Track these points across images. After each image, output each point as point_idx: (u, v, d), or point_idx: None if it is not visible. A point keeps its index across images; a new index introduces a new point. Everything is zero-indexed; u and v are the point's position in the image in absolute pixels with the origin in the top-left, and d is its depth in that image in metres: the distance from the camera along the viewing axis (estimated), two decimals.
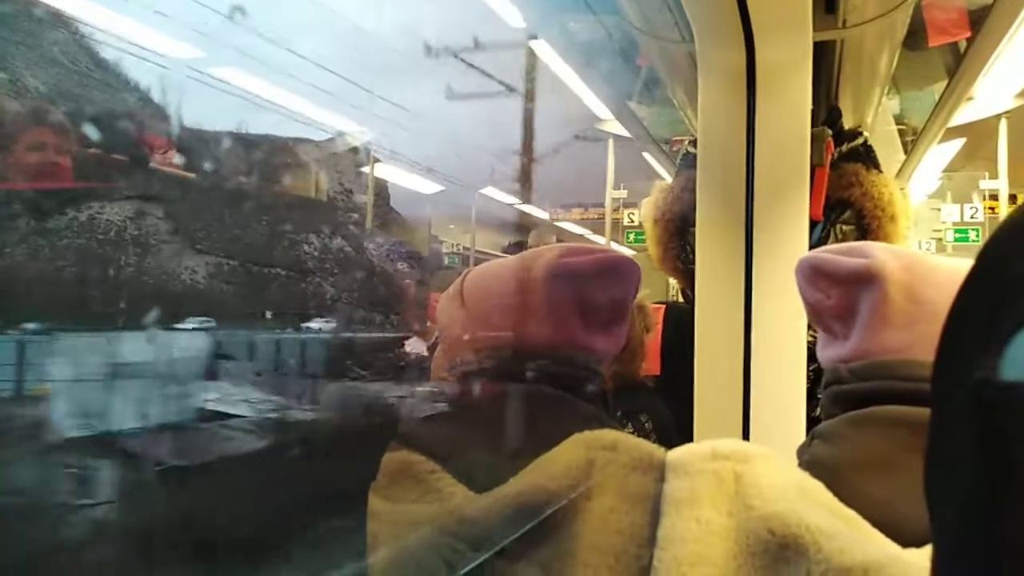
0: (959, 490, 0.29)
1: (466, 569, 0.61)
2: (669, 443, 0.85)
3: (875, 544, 0.55)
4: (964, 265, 0.78)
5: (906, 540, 0.56)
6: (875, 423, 0.73)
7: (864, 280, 0.79)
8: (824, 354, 0.87)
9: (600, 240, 9.62)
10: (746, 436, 1.36)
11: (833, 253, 0.84)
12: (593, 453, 0.66)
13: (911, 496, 0.33)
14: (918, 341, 0.75)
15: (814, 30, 1.39)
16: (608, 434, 0.69)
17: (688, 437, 1.42)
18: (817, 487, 0.63)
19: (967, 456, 0.28)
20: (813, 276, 0.85)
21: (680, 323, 1.53)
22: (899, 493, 0.60)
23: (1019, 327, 0.27)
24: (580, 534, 0.61)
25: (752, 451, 0.64)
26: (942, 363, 0.32)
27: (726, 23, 1.34)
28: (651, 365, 1.52)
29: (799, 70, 1.39)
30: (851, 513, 0.60)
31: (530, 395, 0.78)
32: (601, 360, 0.84)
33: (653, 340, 1.54)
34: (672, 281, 1.81)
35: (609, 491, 0.63)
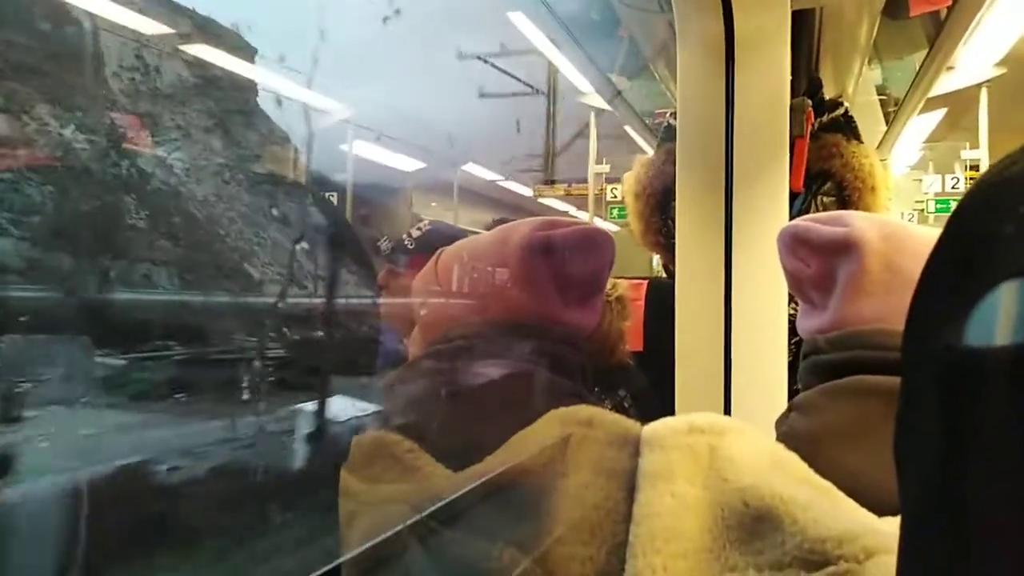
0: (924, 456, 0.29)
1: (442, 548, 0.61)
2: (648, 418, 0.85)
3: (850, 514, 0.55)
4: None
5: (881, 509, 0.56)
6: (850, 393, 0.73)
7: (843, 249, 0.79)
8: (803, 325, 0.87)
9: (584, 216, 9.61)
10: (727, 409, 1.37)
11: (814, 222, 0.84)
12: (569, 429, 0.66)
13: (885, 465, 0.32)
14: (894, 310, 0.75)
15: None
16: (584, 410, 0.68)
17: (670, 411, 1.42)
18: (792, 458, 0.63)
19: (932, 423, 0.28)
20: (794, 245, 0.85)
21: (662, 298, 1.52)
22: (873, 462, 0.60)
23: (984, 293, 0.26)
24: (556, 510, 0.61)
25: (727, 424, 0.64)
26: (911, 330, 0.32)
27: None
28: (633, 341, 1.52)
29: (777, 39, 1.38)
30: (826, 484, 0.60)
31: (506, 371, 0.77)
32: (578, 334, 0.83)
33: (636, 316, 1.54)
34: (655, 257, 1.80)
35: (585, 467, 0.63)
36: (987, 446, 0.25)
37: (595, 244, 0.83)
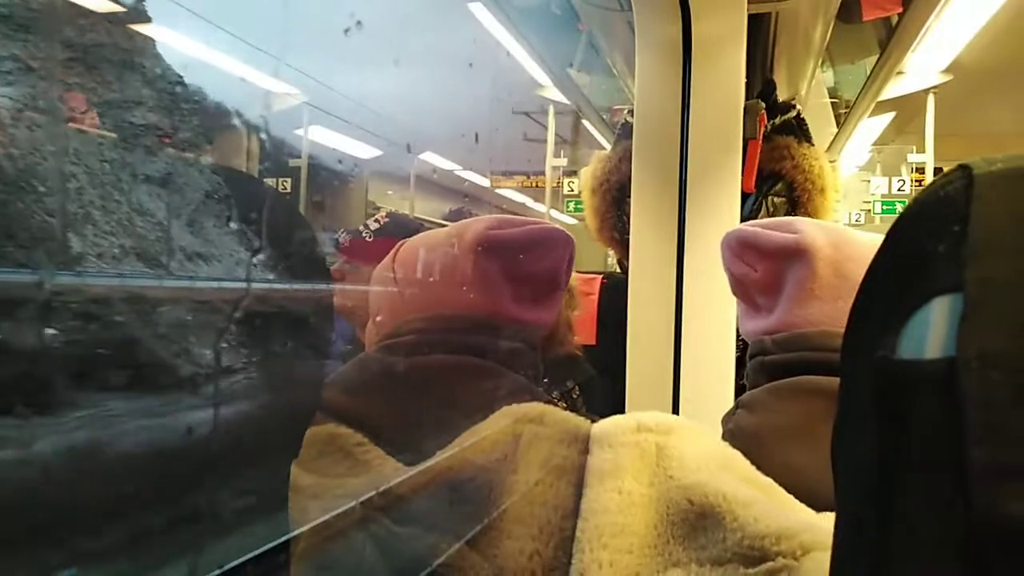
0: (857, 461, 0.30)
1: (391, 542, 0.61)
2: (597, 411, 0.86)
3: (789, 511, 0.57)
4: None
5: (821, 505, 0.58)
6: (794, 392, 0.75)
7: (793, 254, 0.81)
8: (746, 326, 0.89)
9: (540, 208, 9.62)
10: (676, 405, 1.39)
11: (761, 227, 0.85)
12: (520, 426, 0.67)
13: (826, 463, 0.34)
14: (841, 314, 0.77)
15: (749, 2, 1.40)
16: (535, 407, 0.69)
17: (620, 405, 1.44)
18: (736, 457, 0.64)
19: (865, 429, 0.29)
20: (740, 249, 0.86)
21: (616, 294, 1.54)
22: (815, 460, 0.62)
23: (918, 307, 0.27)
24: (505, 505, 0.62)
25: (675, 423, 0.66)
26: (849, 338, 0.33)
27: None
28: (587, 335, 1.53)
29: (734, 42, 1.40)
30: (768, 481, 0.62)
31: (460, 367, 0.77)
32: (533, 332, 0.84)
33: (589, 310, 1.55)
34: (610, 251, 1.81)
35: (535, 464, 0.64)
36: (914, 454, 0.26)
37: (551, 243, 0.84)
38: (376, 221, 1.61)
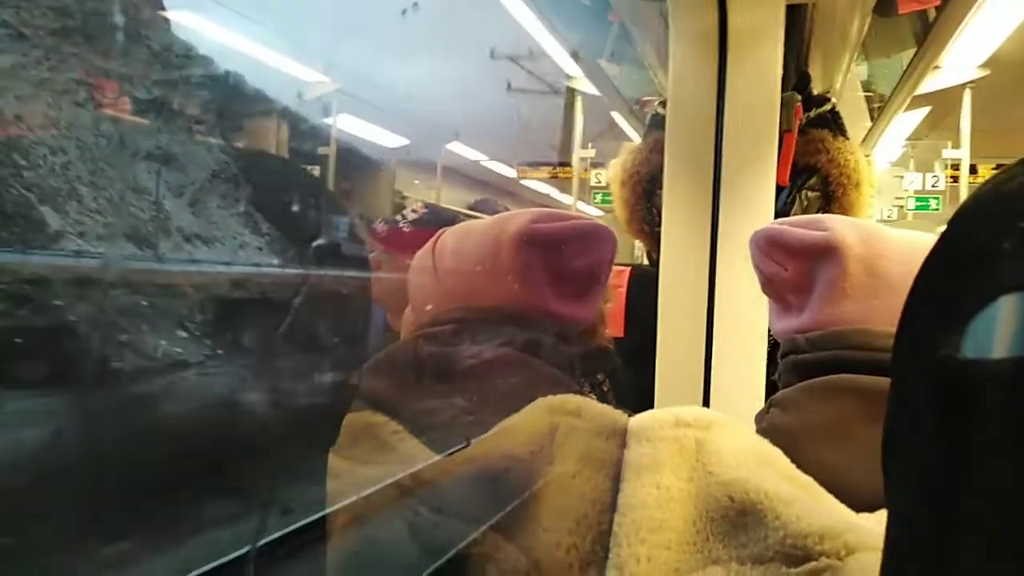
0: (915, 465, 0.30)
1: (427, 531, 0.62)
2: (625, 403, 0.85)
3: (831, 511, 0.56)
4: (918, 238, 0.79)
5: (858, 505, 0.58)
6: (830, 391, 0.74)
7: (823, 253, 0.80)
8: (777, 325, 0.88)
9: (567, 200, 9.59)
10: (706, 400, 1.38)
11: (790, 225, 0.85)
12: (557, 418, 0.67)
13: (863, 462, 0.33)
14: (874, 313, 0.76)
15: None
16: (572, 399, 0.69)
17: (649, 398, 1.43)
18: (776, 454, 0.64)
19: (925, 432, 0.29)
20: (769, 248, 0.85)
21: (644, 286, 1.53)
22: (852, 459, 0.61)
23: (982, 305, 0.27)
24: (541, 498, 0.62)
25: (714, 418, 0.65)
26: (903, 338, 0.32)
27: None
28: (615, 327, 1.53)
29: (771, 34, 1.38)
30: (808, 479, 0.61)
31: (498, 359, 0.78)
32: (571, 327, 0.84)
33: (617, 302, 1.55)
34: (638, 243, 1.81)
35: (571, 456, 0.64)
36: (983, 458, 0.26)
37: (594, 239, 0.83)
38: (414, 211, 1.61)
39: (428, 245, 0.87)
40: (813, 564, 0.50)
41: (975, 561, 0.26)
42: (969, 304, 0.28)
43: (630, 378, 1.42)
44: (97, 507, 0.39)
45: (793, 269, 0.83)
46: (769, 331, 1.37)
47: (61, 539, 0.37)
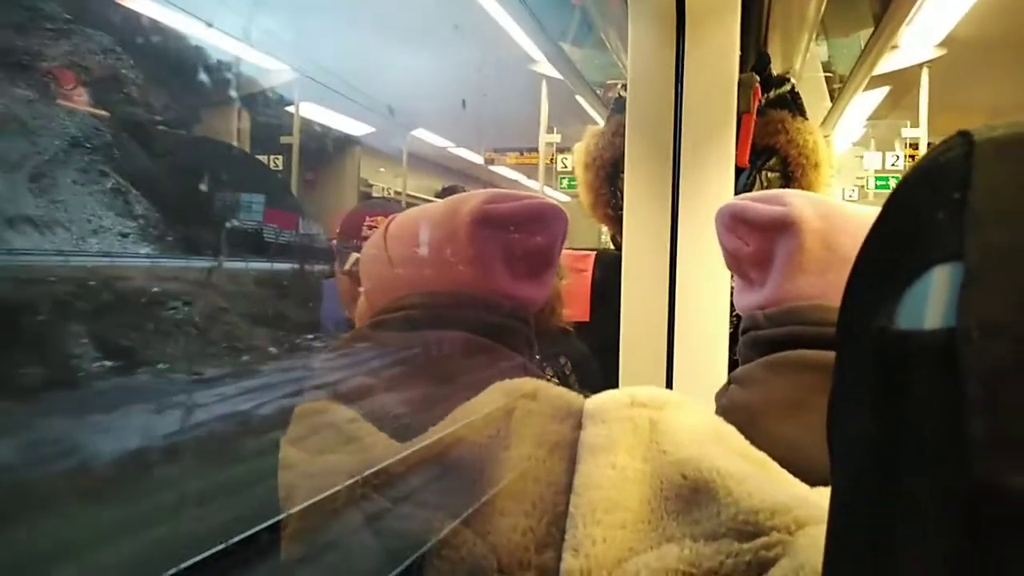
0: (854, 435, 0.30)
1: (383, 518, 0.61)
2: (591, 387, 0.85)
3: (783, 486, 0.57)
4: (876, 213, 0.79)
5: (816, 480, 0.58)
6: (787, 366, 0.75)
7: (781, 227, 0.80)
8: (740, 301, 0.89)
9: (534, 185, 9.59)
10: (669, 380, 1.39)
11: (752, 200, 0.85)
12: (513, 402, 0.66)
13: (820, 437, 0.33)
14: (831, 287, 0.77)
15: None
16: (528, 383, 0.69)
17: (614, 381, 1.44)
18: (730, 431, 0.64)
19: (863, 402, 0.29)
20: (732, 223, 0.86)
21: (609, 269, 1.53)
22: (809, 434, 0.62)
23: (917, 276, 0.27)
24: (498, 481, 0.61)
25: (668, 398, 0.65)
26: (846, 310, 0.32)
27: None
28: (581, 312, 1.53)
29: (728, 15, 1.39)
30: (762, 456, 0.62)
31: (453, 343, 0.77)
32: (527, 308, 0.83)
33: (583, 286, 1.55)
34: (604, 228, 1.81)
35: (528, 439, 0.64)
36: (914, 426, 0.26)
37: (546, 218, 0.83)
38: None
39: (379, 231, 0.86)
40: (764, 539, 0.50)
41: (907, 535, 0.26)
42: (904, 275, 0.28)
43: (597, 362, 1.43)
44: None
45: (754, 244, 0.84)
46: (732, 311, 1.38)
47: None
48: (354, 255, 1.50)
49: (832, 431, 0.32)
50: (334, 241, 1.63)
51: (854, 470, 0.30)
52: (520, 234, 0.81)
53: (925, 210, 0.28)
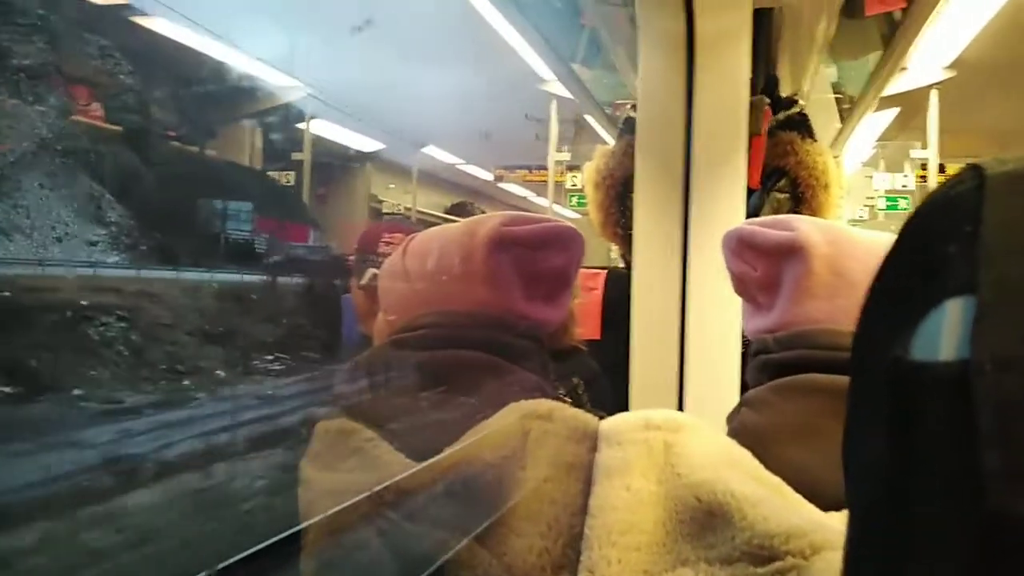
0: (869, 463, 0.30)
1: (400, 538, 0.62)
2: (602, 407, 0.86)
3: (798, 510, 0.57)
4: (884, 238, 0.81)
5: (827, 504, 0.59)
6: (798, 390, 0.76)
7: (789, 252, 0.81)
8: (749, 325, 0.89)
9: (543, 203, 9.61)
10: (681, 402, 1.39)
11: (759, 226, 0.86)
12: (529, 423, 0.67)
13: (831, 461, 0.34)
14: (839, 312, 0.78)
15: None
16: (544, 404, 0.69)
17: (624, 400, 1.44)
18: (744, 455, 0.65)
19: (877, 431, 0.29)
20: (739, 248, 0.87)
21: (620, 289, 1.54)
22: (820, 458, 0.62)
23: (931, 308, 0.28)
24: (514, 502, 0.62)
25: (683, 421, 0.66)
26: (860, 338, 0.33)
27: None
28: (591, 330, 1.53)
29: (738, 38, 1.40)
30: (776, 480, 0.62)
31: (470, 363, 0.78)
32: (543, 329, 0.84)
33: (593, 305, 1.55)
34: (613, 246, 1.81)
35: (543, 461, 0.64)
36: (928, 457, 0.26)
37: (563, 240, 0.84)
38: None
39: (399, 250, 0.88)
40: (779, 564, 0.51)
41: (920, 563, 0.26)
42: (918, 306, 0.28)
43: (607, 381, 1.43)
44: None
45: (762, 269, 0.85)
46: (743, 331, 1.38)
47: None
48: (371, 271, 1.51)
49: (847, 458, 0.33)
50: (351, 257, 1.64)
51: (868, 497, 0.31)
52: (538, 256, 0.82)
53: (938, 243, 0.28)
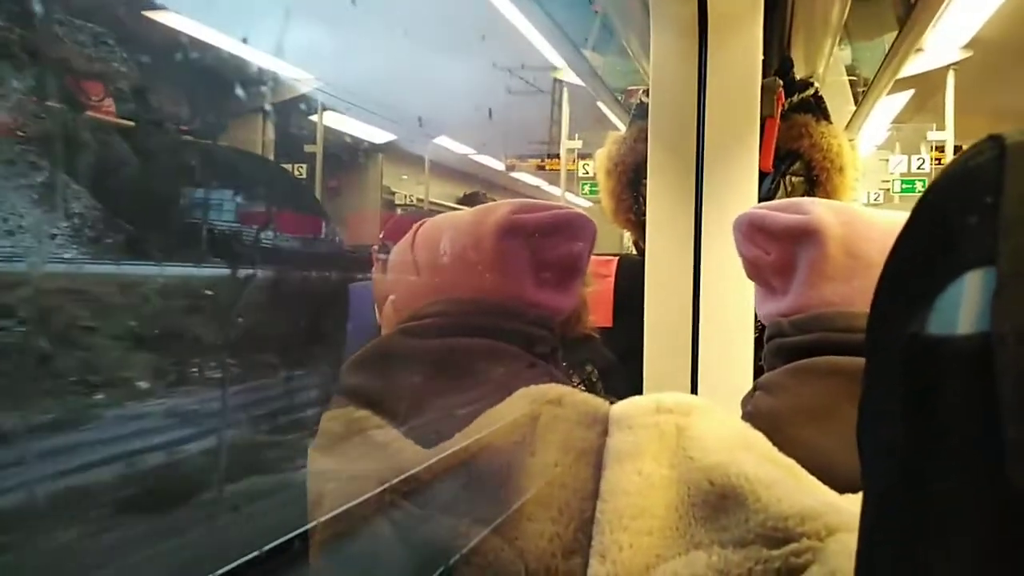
0: (885, 441, 0.30)
1: (411, 524, 0.61)
2: (616, 393, 0.85)
3: (812, 492, 0.56)
4: (900, 219, 0.79)
5: (842, 486, 0.58)
6: (814, 373, 0.75)
7: (803, 235, 0.80)
8: (762, 309, 0.88)
9: (556, 191, 9.59)
10: (694, 386, 1.39)
11: (771, 209, 0.85)
12: (538, 408, 0.66)
13: (847, 444, 0.33)
14: (856, 294, 0.77)
15: None
16: (554, 389, 0.69)
17: (638, 387, 1.43)
18: (757, 437, 0.64)
19: (894, 409, 0.29)
20: (751, 232, 0.86)
21: (632, 275, 1.53)
22: (836, 441, 0.62)
23: (949, 282, 0.27)
24: (525, 488, 0.62)
25: (694, 404, 0.65)
26: (876, 316, 0.32)
27: None
28: (603, 317, 1.53)
29: (751, 20, 1.38)
30: (790, 462, 0.61)
31: (480, 351, 0.77)
32: (554, 317, 0.84)
33: (605, 292, 1.55)
34: (626, 233, 1.80)
35: (554, 445, 0.64)
36: (948, 432, 0.26)
37: (574, 228, 0.83)
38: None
39: (407, 238, 0.87)
40: (794, 546, 0.50)
41: (939, 540, 0.26)
42: (936, 281, 0.28)
43: (620, 367, 1.43)
44: None
45: (775, 253, 0.84)
46: (756, 317, 1.37)
47: None
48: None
49: (862, 438, 0.32)
50: (375, 246, 1.64)
51: (884, 477, 0.30)
52: (548, 243, 0.81)
53: (956, 215, 0.28)
